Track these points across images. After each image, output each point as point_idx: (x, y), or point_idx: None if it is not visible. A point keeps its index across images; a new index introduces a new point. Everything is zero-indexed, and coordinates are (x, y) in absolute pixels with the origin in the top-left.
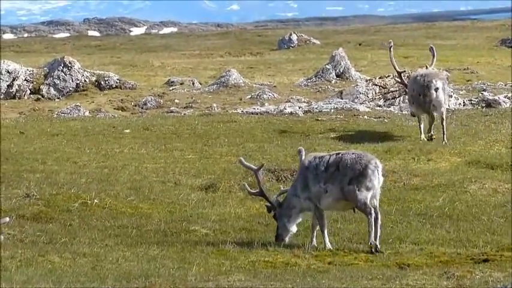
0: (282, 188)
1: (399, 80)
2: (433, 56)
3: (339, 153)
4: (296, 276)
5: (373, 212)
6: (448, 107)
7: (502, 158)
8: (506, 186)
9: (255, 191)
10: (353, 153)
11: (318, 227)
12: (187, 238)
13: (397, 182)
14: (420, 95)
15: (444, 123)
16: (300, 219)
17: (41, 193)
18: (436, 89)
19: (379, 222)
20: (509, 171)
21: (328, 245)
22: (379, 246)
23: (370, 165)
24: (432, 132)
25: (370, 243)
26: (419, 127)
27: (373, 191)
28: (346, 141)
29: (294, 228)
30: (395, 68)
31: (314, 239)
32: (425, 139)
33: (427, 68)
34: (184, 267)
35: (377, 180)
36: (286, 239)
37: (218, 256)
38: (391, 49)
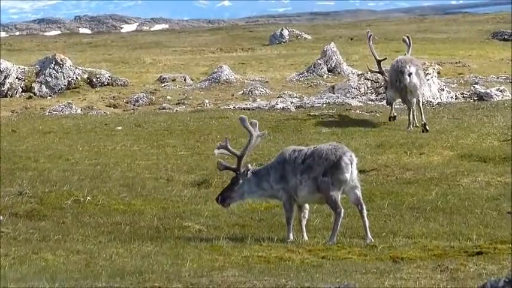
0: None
1: (377, 70)
2: (409, 45)
3: (316, 147)
4: (290, 271)
5: (342, 212)
6: (440, 101)
7: (494, 151)
8: (498, 179)
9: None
10: (330, 145)
11: (304, 221)
12: (181, 234)
13: (389, 176)
14: (396, 81)
15: (421, 104)
16: (259, 199)
17: (33, 191)
18: (410, 74)
19: (365, 212)
20: (501, 164)
21: (291, 237)
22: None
23: (344, 157)
24: (416, 121)
25: (330, 244)
26: (391, 108)
27: (347, 185)
28: (338, 136)
29: (245, 200)
30: (374, 57)
31: (305, 234)
32: (407, 128)
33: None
34: (178, 263)
35: (350, 173)
36: (231, 205)
37: (212, 252)
38: (371, 38)
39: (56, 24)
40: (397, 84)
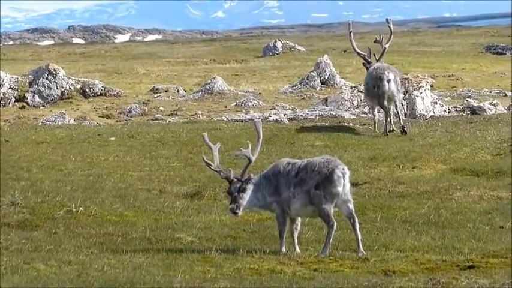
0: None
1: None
2: (391, 32)
3: (309, 160)
4: (282, 283)
5: (334, 225)
6: (433, 114)
7: (487, 165)
8: (491, 194)
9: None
10: (322, 158)
11: (296, 233)
12: (173, 246)
13: (382, 189)
14: (374, 87)
15: (399, 109)
16: (252, 209)
17: (26, 201)
18: (388, 81)
19: (357, 226)
20: (494, 179)
21: (283, 250)
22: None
23: (337, 171)
24: (393, 127)
25: (322, 256)
26: (373, 119)
27: (339, 198)
28: (331, 149)
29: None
30: (354, 49)
31: (297, 246)
32: (384, 134)
33: (382, 45)
34: (170, 275)
35: (342, 186)
36: (241, 212)
37: (203, 263)
38: (351, 34)
39: (49, 33)
40: (374, 91)
